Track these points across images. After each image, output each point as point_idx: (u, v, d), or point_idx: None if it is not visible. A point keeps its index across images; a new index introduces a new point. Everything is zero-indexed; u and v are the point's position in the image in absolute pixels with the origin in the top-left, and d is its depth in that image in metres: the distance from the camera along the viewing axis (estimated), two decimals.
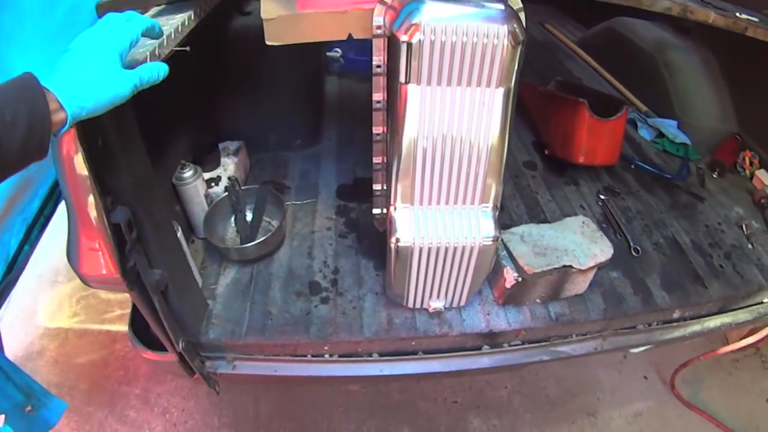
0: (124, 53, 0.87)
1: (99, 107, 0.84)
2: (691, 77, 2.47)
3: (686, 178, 2.20)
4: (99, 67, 0.83)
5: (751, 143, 2.27)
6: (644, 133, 2.51)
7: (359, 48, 2.71)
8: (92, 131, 0.98)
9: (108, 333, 2.57)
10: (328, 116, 2.53)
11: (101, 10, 1.21)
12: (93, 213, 1.06)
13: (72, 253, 1.14)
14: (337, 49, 2.84)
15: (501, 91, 1.17)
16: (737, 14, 1.63)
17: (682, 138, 2.37)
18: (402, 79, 1.14)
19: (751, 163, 2.22)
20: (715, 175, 2.24)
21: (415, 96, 1.17)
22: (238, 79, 2.09)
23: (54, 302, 2.73)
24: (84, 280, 1.18)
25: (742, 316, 1.75)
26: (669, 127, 2.44)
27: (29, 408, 1.29)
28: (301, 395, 2.34)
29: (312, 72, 2.42)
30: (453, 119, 1.21)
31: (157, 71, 0.91)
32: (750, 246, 1.90)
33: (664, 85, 2.53)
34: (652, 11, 1.51)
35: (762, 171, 2.17)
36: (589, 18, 3.45)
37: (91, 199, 1.04)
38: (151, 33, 0.96)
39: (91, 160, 1.00)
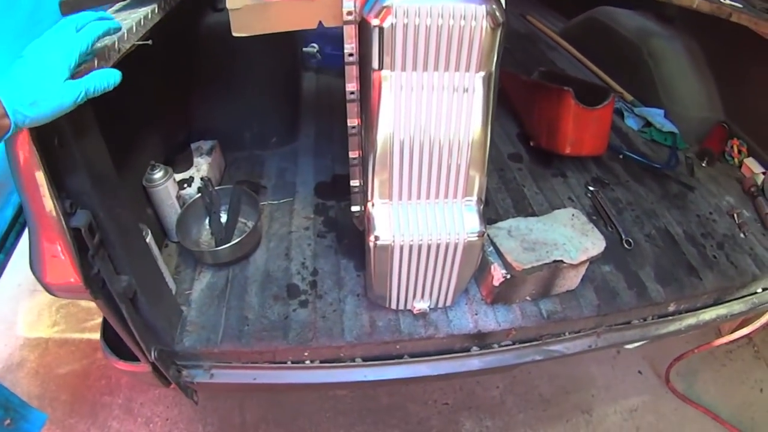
0: (73, 65, 0.85)
1: (42, 117, 0.83)
2: (676, 65, 2.44)
3: (675, 167, 2.17)
4: (43, 79, 0.83)
5: (738, 131, 2.25)
6: (631, 123, 2.47)
7: (336, 43, 2.64)
8: (48, 130, 0.92)
9: (89, 342, 2.52)
10: (305, 113, 2.48)
11: (65, 8, 1.15)
12: (52, 218, 1.00)
13: (34, 262, 1.07)
14: (314, 45, 2.77)
15: (481, 75, 1.10)
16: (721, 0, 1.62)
17: (669, 127, 2.34)
18: (375, 65, 1.08)
19: (739, 152, 2.19)
20: (704, 164, 2.21)
21: (389, 83, 1.10)
22: (212, 77, 2.04)
23: (33, 312, 2.68)
24: (48, 290, 1.12)
25: (737, 307, 1.72)
26: (656, 116, 2.40)
27: (8, 422, 1.29)
28: (288, 401, 2.29)
29: (288, 68, 2.38)
30: (431, 107, 1.15)
31: (107, 80, 0.90)
32: (742, 235, 1.86)
33: (649, 74, 2.50)
34: None
35: (750, 159, 2.14)
36: (570, 9, 3.42)
37: (49, 202, 0.98)
38: (108, 34, 0.94)
39: (47, 162, 0.95)
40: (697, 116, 2.37)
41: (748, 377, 2.40)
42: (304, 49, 2.76)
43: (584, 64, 2.95)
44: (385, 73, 1.09)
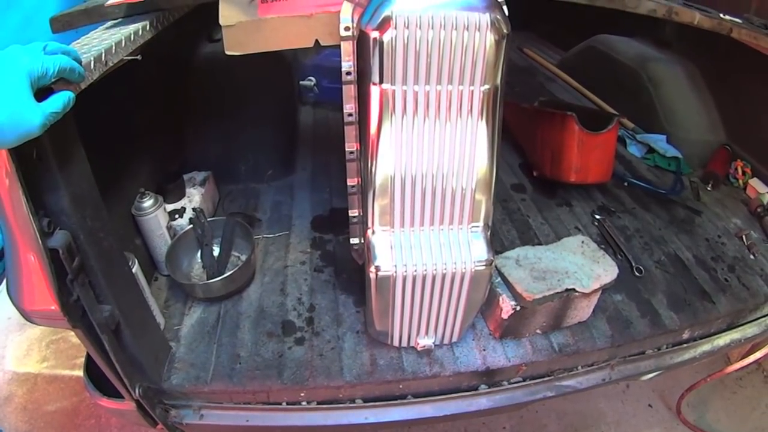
0: (36, 85, 0.79)
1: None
2: (676, 89, 2.43)
3: (681, 192, 2.14)
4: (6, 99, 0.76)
5: (741, 152, 2.23)
6: (634, 150, 2.44)
7: (333, 75, 2.63)
8: (25, 142, 0.85)
9: (78, 379, 2.42)
10: (302, 147, 2.45)
11: (56, 25, 1.15)
12: (29, 237, 0.94)
13: (11, 285, 1.01)
14: (311, 78, 2.75)
15: (486, 89, 1.05)
16: (721, 15, 1.62)
17: (672, 152, 2.31)
18: (375, 78, 1.02)
19: (743, 173, 2.17)
20: (709, 188, 2.18)
21: (389, 98, 1.05)
22: (207, 108, 2.01)
23: (23, 346, 2.61)
24: (26, 316, 1.05)
25: (750, 330, 1.67)
26: (658, 141, 2.37)
27: None
28: None
29: (285, 101, 2.35)
30: (434, 126, 1.09)
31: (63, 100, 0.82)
32: (752, 257, 1.83)
33: (649, 100, 2.48)
34: (636, 14, 1.45)
35: (755, 180, 2.12)
36: (567, 41, 3.44)
37: (27, 222, 0.92)
38: (71, 76, 0.84)
39: (24, 174, 0.89)
40: (699, 139, 2.36)
41: (759, 403, 2.34)
42: (301, 82, 2.74)
43: (584, 94, 2.94)
44: (385, 86, 1.03)
